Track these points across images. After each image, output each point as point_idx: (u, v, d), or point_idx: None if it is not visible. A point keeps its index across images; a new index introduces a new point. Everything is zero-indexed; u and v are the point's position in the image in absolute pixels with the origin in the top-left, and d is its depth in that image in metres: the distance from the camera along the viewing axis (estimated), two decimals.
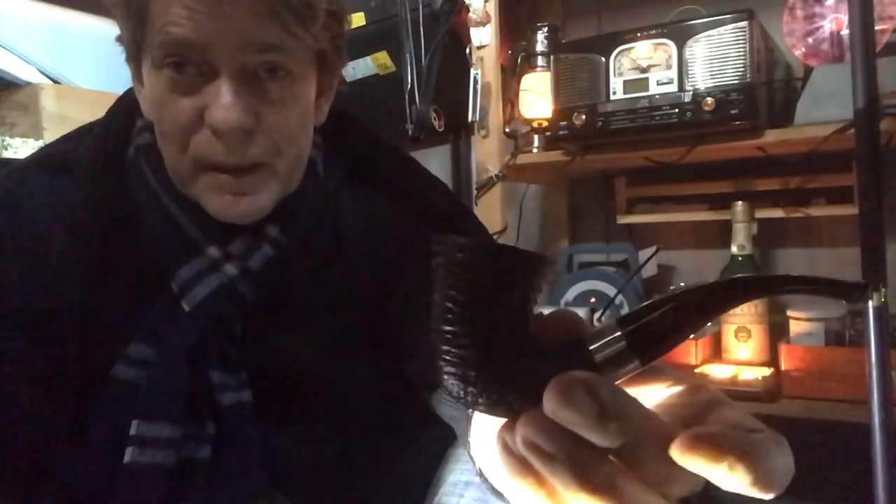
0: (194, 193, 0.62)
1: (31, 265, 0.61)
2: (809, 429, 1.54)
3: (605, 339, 0.28)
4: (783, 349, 1.39)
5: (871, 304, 1.10)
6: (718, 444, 0.26)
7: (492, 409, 0.29)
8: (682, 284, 0.29)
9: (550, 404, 0.26)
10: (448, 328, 0.28)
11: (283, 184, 0.64)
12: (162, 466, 0.58)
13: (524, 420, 0.28)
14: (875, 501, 1.10)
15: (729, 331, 1.48)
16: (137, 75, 0.64)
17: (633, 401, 0.28)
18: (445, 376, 0.29)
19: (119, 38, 0.63)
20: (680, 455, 0.27)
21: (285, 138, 0.61)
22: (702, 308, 0.28)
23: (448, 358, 0.28)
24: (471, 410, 0.30)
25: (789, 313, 1.45)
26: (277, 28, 0.57)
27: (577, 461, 0.27)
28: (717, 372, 1.42)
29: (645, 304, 0.28)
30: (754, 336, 1.46)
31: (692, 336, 0.29)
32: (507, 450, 0.29)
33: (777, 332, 1.48)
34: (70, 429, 0.59)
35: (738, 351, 1.47)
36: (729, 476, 0.26)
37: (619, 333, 0.28)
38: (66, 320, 0.60)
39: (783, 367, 1.38)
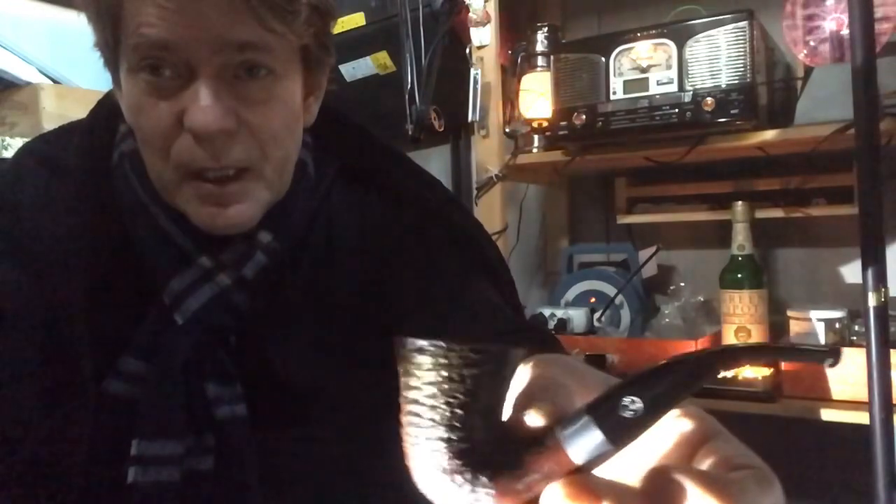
0: (179, 204, 0.59)
1: (30, 267, 0.60)
2: (809, 429, 1.54)
3: (577, 427, 0.28)
4: None
5: (871, 304, 1.10)
6: (593, 497, 0.26)
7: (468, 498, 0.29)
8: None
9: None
10: (418, 427, 0.29)
11: (272, 189, 0.62)
12: (168, 483, 0.57)
13: None
14: (875, 501, 1.10)
15: (729, 331, 1.48)
16: (116, 81, 0.61)
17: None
18: (419, 476, 0.29)
19: (96, 44, 0.60)
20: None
21: (270, 140, 0.59)
22: (674, 388, 0.27)
23: (422, 456, 0.29)
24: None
25: (789, 313, 1.45)
26: (256, 25, 0.54)
27: None
28: None
29: (618, 384, 0.28)
30: (754, 336, 1.45)
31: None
32: None
33: (777, 332, 1.48)
34: (75, 443, 0.58)
35: None
36: None
37: (587, 418, 0.27)
38: (69, 328, 0.59)
39: (783, 367, 1.38)
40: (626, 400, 0.27)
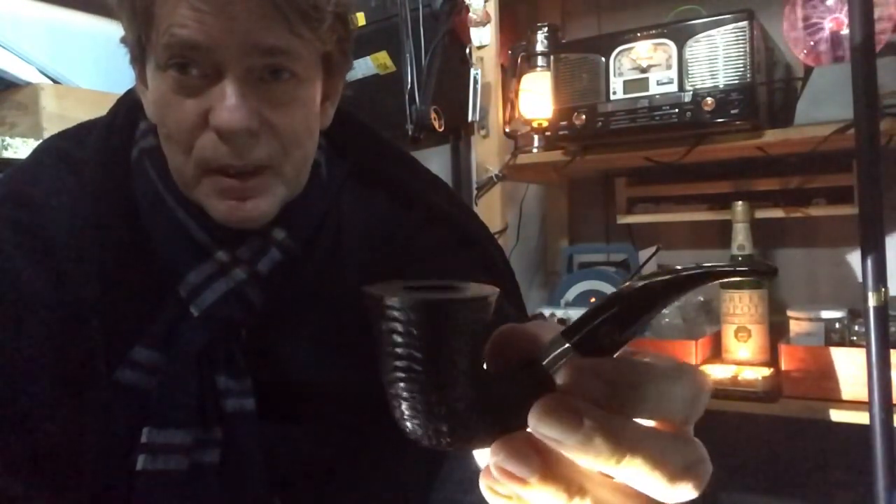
0: (198, 197, 0.61)
1: (47, 260, 0.60)
2: (809, 429, 1.54)
3: (556, 353, 0.28)
4: (783, 349, 1.39)
5: (871, 304, 1.10)
6: (575, 410, 0.26)
7: (460, 444, 0.29)
8: (627, 283, 0.29)
9: (535, 421, 0.26)
10: (401, 380, 0.29)
11: (289, 187, 0.63)
12: (175, 473, 0.58)
13: (495, 448, 0.28)
14: (875, 501, 1.10)
15: (729, 331, 1.48)
16: (141, 77, 0.63)
17: (622, 417, 0.27)
18: (410, 425, 0.29)
19: (123, 40, 0.62)
20: (537, 421, 0.26)
21: (291, 140, 0.61)
22: (642, 308, 0.28)
23: (409, 405, 0.29)
24: (444, 449, 0.30)
25: (789, 313, 1.45)
26: (284, 30, 0.56)
27: (553, 482, 0.27)
28: (718, 372, 1.42)
29: (587, 311, 0.29)
30: (754, 336, 1.46)
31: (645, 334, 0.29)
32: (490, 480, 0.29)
33: (777, 332, 1.48)
34: (86, 432, 0.59)
35: (738, 351, 1.47)
36: (585, 447, 0.26)
37: (567, 346, 0.28)
38: (83, 319, 0.60)
39: (783, 367, 1.38)
40: (599, 323, 0.28)
